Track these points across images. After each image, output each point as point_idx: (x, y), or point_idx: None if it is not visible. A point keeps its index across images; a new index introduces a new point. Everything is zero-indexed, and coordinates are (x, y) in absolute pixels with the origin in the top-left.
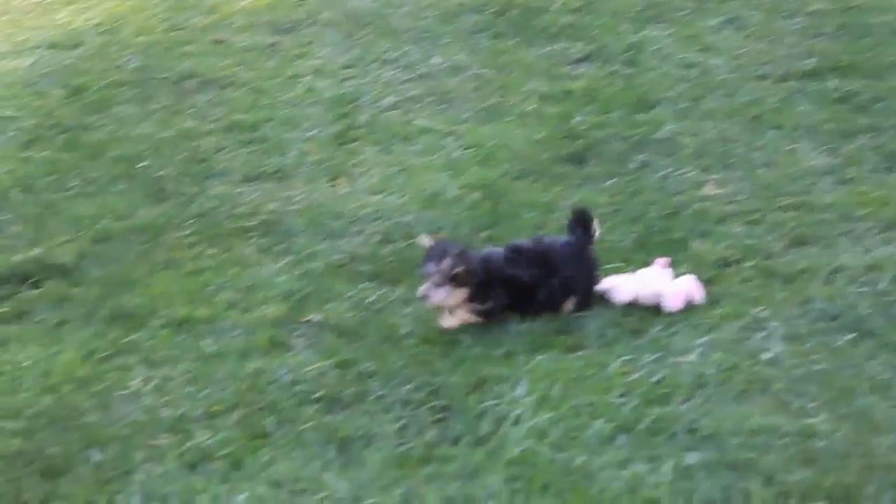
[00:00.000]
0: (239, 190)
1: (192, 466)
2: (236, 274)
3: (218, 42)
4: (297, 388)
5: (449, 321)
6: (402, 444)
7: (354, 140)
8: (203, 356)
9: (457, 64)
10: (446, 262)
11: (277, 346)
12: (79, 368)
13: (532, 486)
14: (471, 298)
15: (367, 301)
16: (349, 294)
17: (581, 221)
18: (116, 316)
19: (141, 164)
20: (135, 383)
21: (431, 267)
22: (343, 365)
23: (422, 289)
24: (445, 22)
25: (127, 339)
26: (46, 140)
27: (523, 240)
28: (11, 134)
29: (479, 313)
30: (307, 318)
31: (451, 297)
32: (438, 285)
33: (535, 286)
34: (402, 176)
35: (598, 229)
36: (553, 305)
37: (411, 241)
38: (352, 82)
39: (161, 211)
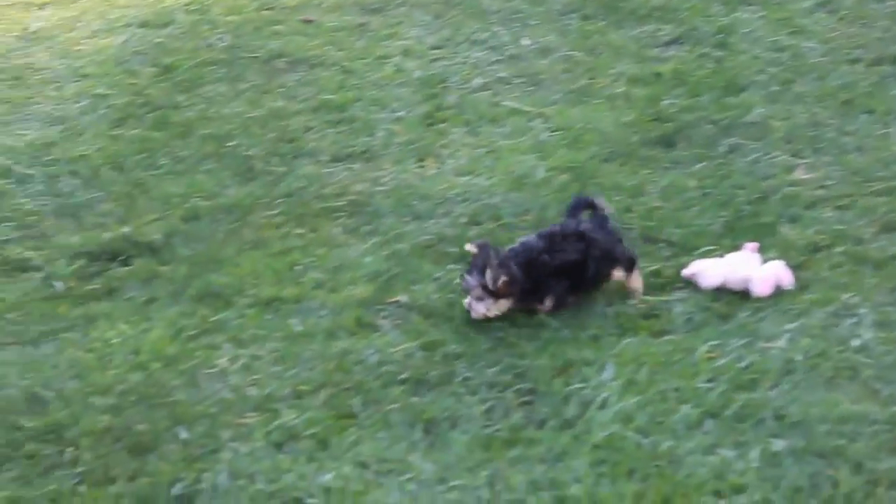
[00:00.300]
0: (327, 170)
1: (279, 445)
2: (324, 254)
3: (307, 22)
4: (384, 368)
5: (548, 305)
6: (487, 426)
7: (442, 121)
8: (290, 336)
9: (546, 45)
10: (487, 274)
11: (364, 326)
12: (167, 346)
13: (617, 471)
14: (526, 300)
15: (453, 282)
16: (436, 275)
17: (586, 205)
18: (204, 294)
19: (230, 144)
20: (222, 362)
21: (472, 280)
22: (429, 346)
23: (465, 302)
24: (535, 3)
25: (215, 318)
26: (137, 118)
27: (551, 226)
28: (103, 112)
29: (547, 312)
30: (394, 300)
31: (495, 308)
32: (480, 299)
33: (585, 262)
34: (489, 157)
35: (606, 207)
36: (601, 278)
37: (499, 223)
38: (440, 63)
39: (249, 190)
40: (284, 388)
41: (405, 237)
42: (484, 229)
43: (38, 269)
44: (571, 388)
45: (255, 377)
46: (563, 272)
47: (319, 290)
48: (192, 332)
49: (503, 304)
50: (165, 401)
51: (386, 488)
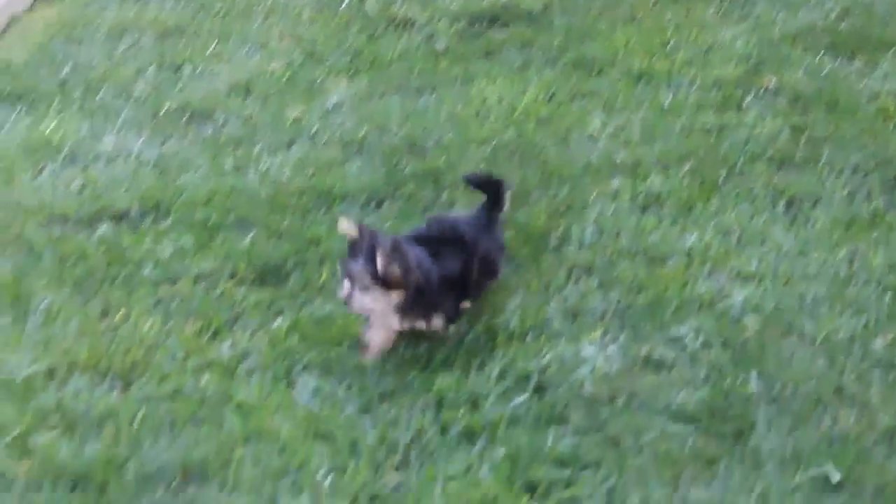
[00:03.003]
0: None
1: (644, 208)
2: (696, 34)
3: None
4: (749, 146)
5: (375, 341)
6: (849, 207)
7: None
8: (659, 107)
9: None
10: (379, 261)
11: (731, 105)
12: (541, 108)
13: None
14: (408, 310)
15: (823, 71)
16: (805, 63)
17: (486, 185)
18: (578, 63)
19: None
20: (593, 127)
21: (357, 265)
22: (796, 129)
23: (342, 291)
24: None
25: (587, 86)
26: None
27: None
28: None
29: (433, 331)
30: (762, 83)
31: (379, 302)
32: (365, 288)
33: (467, 273)
34: None
35: (507, 202)
36: (477, 290)
37: (870, 17)
38: None
39: None
40: (651, 157)
41: (776, 24)
42: (855, 23)
43: (420, 27)
44: None
45: (623, 144)
46: (447, 284)
47: (689, 67)
48: (565, 97)
49: (390, 300)
50: (537, 158)
51: (746, 256)
